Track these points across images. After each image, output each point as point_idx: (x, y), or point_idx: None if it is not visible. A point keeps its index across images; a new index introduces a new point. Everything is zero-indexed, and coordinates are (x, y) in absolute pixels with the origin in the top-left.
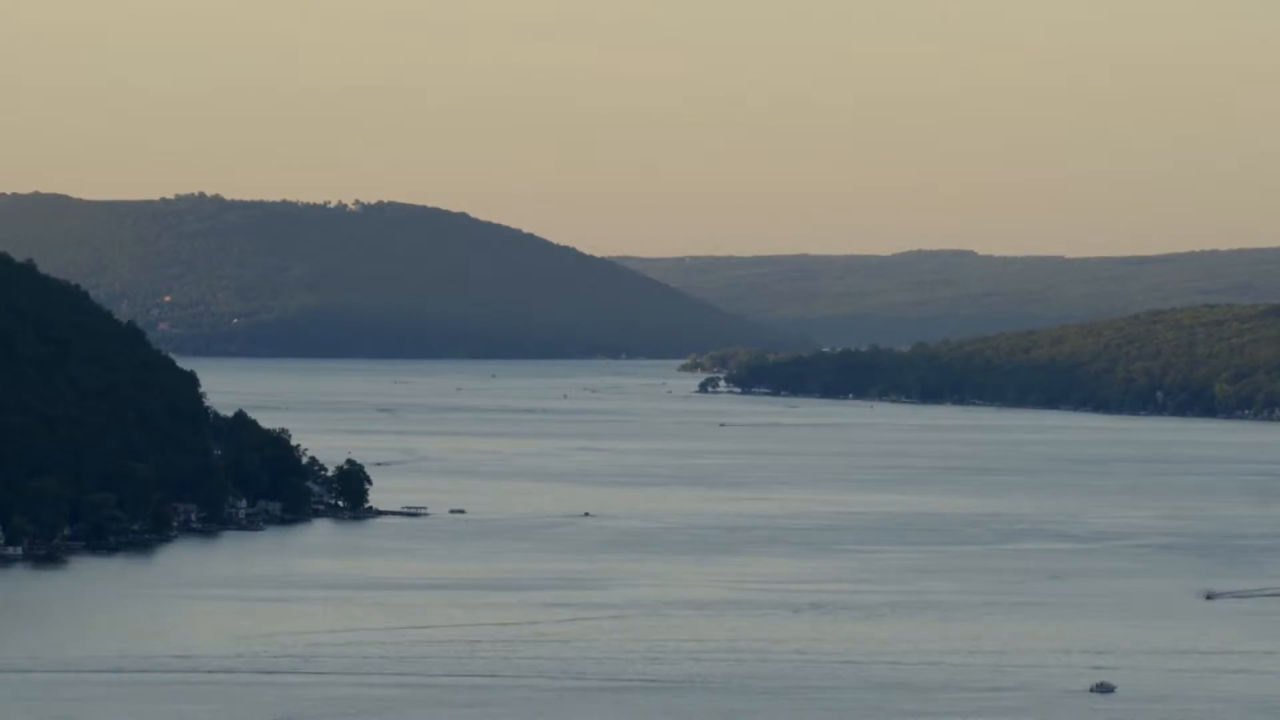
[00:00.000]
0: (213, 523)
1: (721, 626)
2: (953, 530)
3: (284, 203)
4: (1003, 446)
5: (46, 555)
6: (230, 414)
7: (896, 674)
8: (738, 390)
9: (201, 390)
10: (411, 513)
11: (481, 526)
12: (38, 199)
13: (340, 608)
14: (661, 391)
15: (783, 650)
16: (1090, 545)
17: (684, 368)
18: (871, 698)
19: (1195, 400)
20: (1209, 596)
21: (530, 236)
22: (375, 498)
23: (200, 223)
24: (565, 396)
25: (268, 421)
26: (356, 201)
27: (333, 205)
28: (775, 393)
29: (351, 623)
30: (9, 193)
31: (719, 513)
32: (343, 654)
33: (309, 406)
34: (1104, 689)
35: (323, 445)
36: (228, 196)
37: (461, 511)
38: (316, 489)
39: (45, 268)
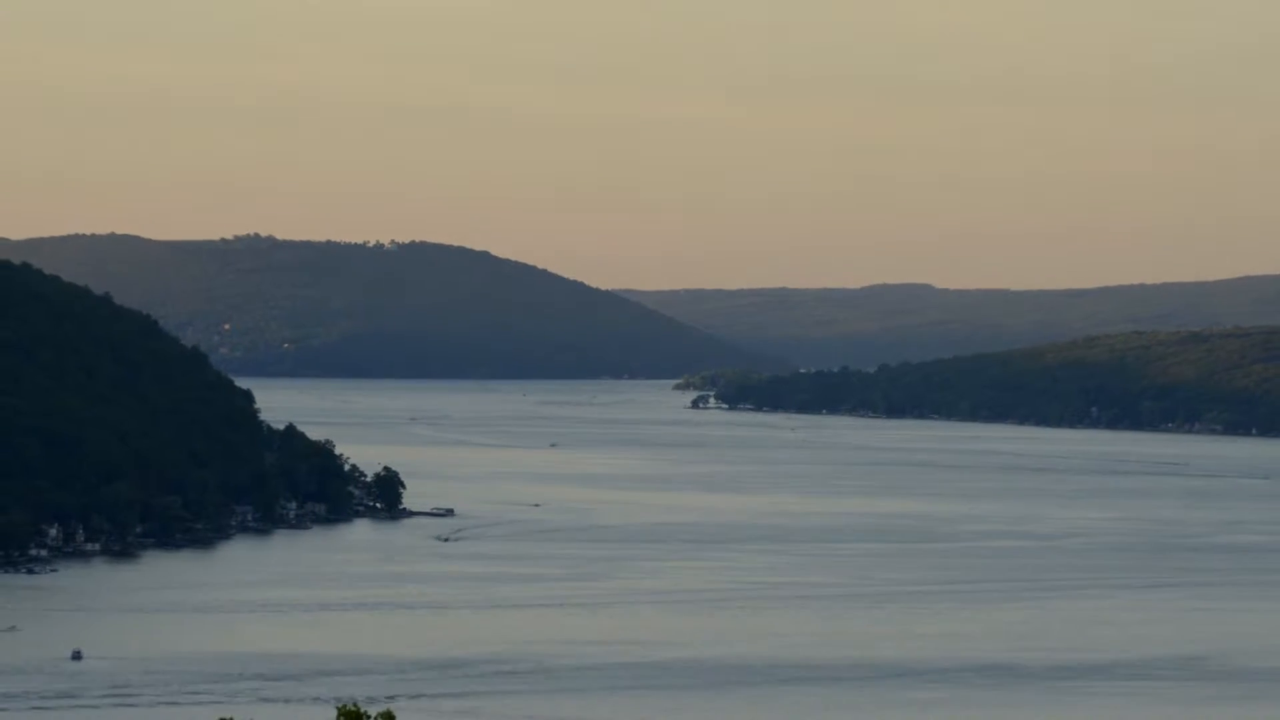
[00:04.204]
0: (266, 522)
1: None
2: None
3: (328, 243)
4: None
5: (121, 551)
6: (281, 427)
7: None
8: (725, 406)
9: (256, 406)
10: (440, 513)
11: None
12: (113, 239)
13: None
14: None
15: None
16: None
17: (678, 386)
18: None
19: (1125, 415)
20: None
21: (544, 271)
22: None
23: (255, 260)
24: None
25: (318, 434)
26: (392, 241)
27: (371, 244)
28: (758, 408)
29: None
30: (89, 233)
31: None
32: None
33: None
34: None
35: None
36: (279, 237)
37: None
38: (357, 492)
39: (120, 300)
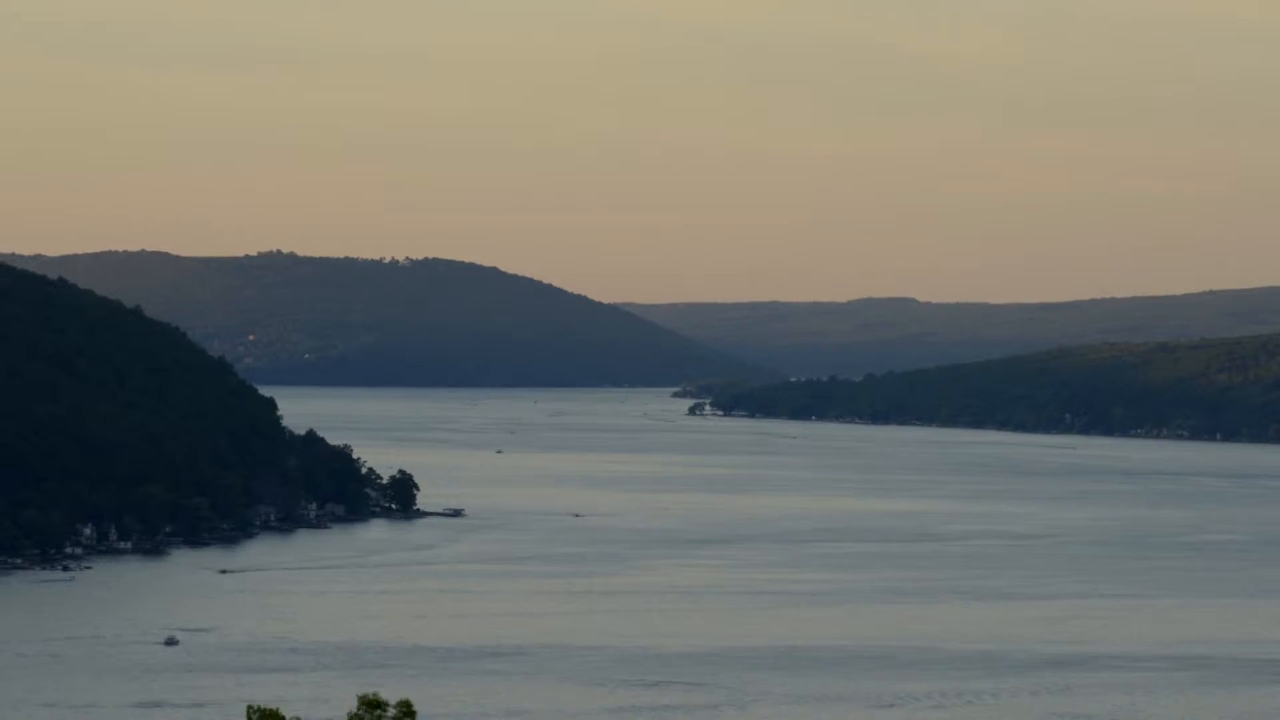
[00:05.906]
0: (288, 522)
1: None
2: None
3: (346, 259)
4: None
5: (151, 549)
6: (302, 432)
7: None
8: (720, 413)
9: (279, 413)
10: (452, 513)
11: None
12: (144, 255)
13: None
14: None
15: None
16: None
17: (676, 394)
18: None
19: (1097, 421)
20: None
21: (549, 286)
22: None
23: (277, 275)
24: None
25: (337, 439)
26: (407, 257)
27: (387, 261)
28: (751, 415)
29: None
30: (121, 250)
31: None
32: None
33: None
34: None
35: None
36: (300, 254)
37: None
38: (374, 494)
39: (150, 312)
